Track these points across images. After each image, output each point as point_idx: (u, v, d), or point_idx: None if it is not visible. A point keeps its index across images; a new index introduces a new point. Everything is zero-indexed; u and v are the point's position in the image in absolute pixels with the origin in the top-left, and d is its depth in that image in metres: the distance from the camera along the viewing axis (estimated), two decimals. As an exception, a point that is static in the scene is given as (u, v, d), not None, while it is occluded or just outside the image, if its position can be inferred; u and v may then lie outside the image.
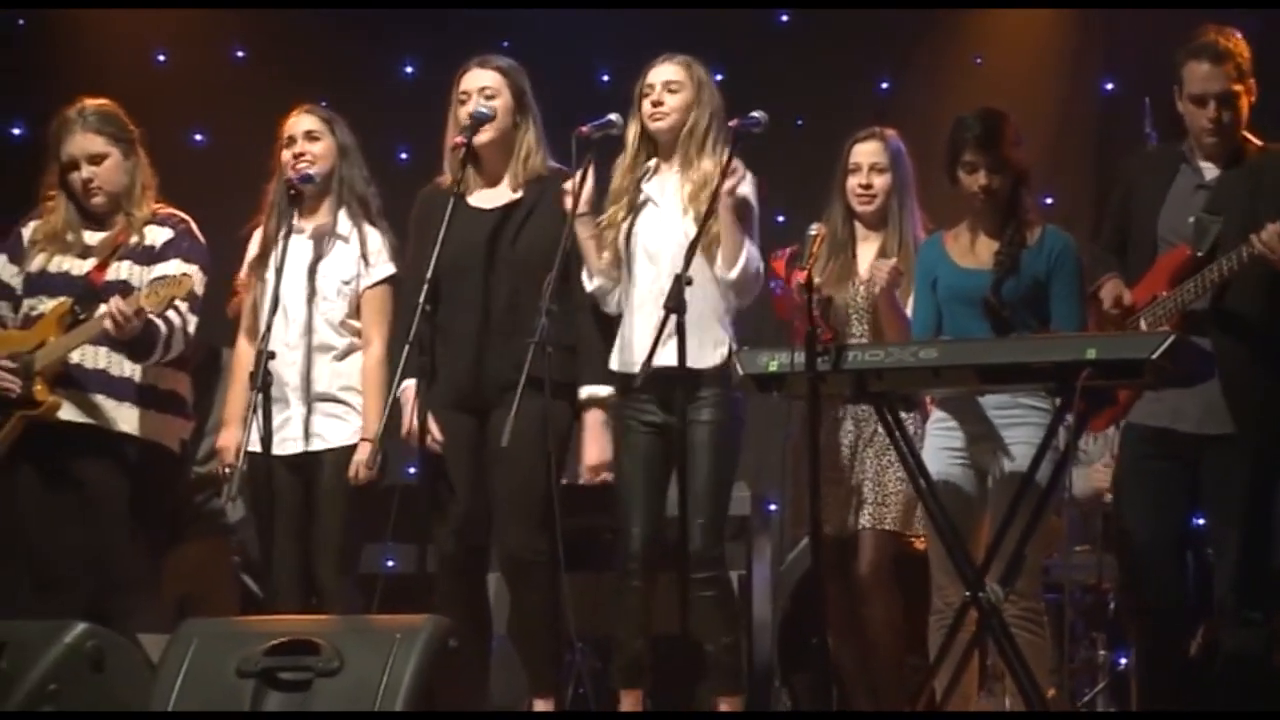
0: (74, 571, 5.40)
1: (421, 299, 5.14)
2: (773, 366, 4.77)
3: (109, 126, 5.54)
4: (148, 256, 5.50)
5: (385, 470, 5.41)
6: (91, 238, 5.56)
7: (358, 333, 5.55)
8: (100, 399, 5.44)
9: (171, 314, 5.38)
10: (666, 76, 5.42)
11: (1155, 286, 5.07)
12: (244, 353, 5.57)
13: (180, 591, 6.14)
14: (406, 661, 3.92)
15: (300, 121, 5.60)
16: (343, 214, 5.57)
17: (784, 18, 8.35)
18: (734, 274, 5.30)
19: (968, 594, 4.74)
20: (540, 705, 5.33)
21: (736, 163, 5.22)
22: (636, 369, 5.05)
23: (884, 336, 5.43)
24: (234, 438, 5.47)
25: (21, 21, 8.29)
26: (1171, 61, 5.12)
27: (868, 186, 5.65)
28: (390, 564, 6.46)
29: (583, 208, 5.33)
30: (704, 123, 5.37)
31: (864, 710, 5.60)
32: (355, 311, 5.56)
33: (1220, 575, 5.10)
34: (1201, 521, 5.36)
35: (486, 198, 5.47)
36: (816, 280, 4.92)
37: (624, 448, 5.40)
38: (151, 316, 5.31)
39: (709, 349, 5.28)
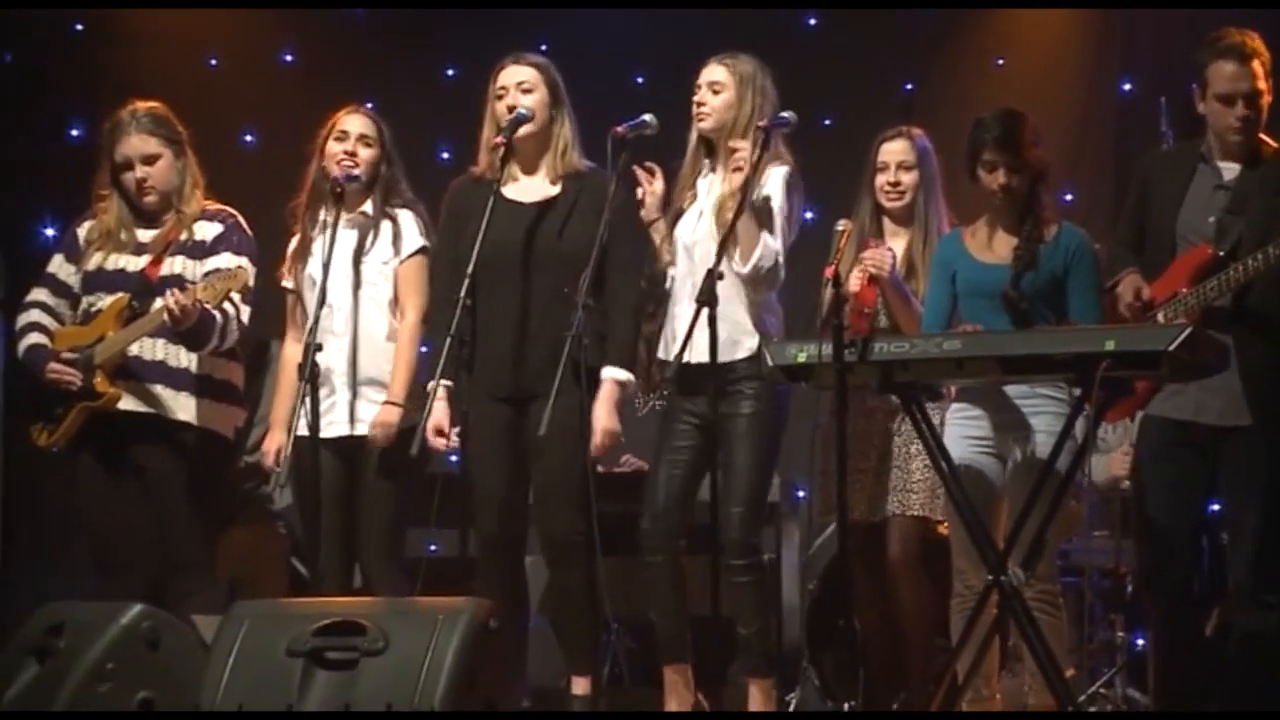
0: (135, 555, 5.52)
1: (463, 293, 5.17)
2: (801, 358, 4.82)
3: (161, 128, 5.62)
4: (199, 251, 5.58)
5: (428, 458, 5.43)
6: (144, 235, 5.64)
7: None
8: (159, 389, 5.53)
9: (226, 305, 5.45)
10: (711, 77, 5.49)
11: (1175, 284, 5.07)
12: (292, 356, 5.57)
13: (231, 574, 6.21)
14: (449, 642, 3.96)
15: (354, 122, 5.64)
16: (378, 201, 5.62)
17: (812, 21, 8.39)
18: (746, 269, 5.35)
19: (990, 578, 4.79)
20: (578, 683, 5.38)
21: (743, 156, 5.27)
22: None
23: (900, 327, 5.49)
24: (277, 441, 5.53)
25: (79, 26, 8.34)
26: (1194, 62, 5.14)
27: (896, 184, 5.71)
28: (433, 548, 6.56)
29: (654, 210, 5.47)
30: (743, 123, 5.42)
31: (887, 691, 5.66)
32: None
33: (1236, 559, 5.12)
34: (1216, 508, 5.42)
35: (523, 190, 5.48)
36: (845, 275, 5.00)
37: (663, 434, 5.50)
38: (208, 308, 5.38)
39: (741, 341, 5.37)
